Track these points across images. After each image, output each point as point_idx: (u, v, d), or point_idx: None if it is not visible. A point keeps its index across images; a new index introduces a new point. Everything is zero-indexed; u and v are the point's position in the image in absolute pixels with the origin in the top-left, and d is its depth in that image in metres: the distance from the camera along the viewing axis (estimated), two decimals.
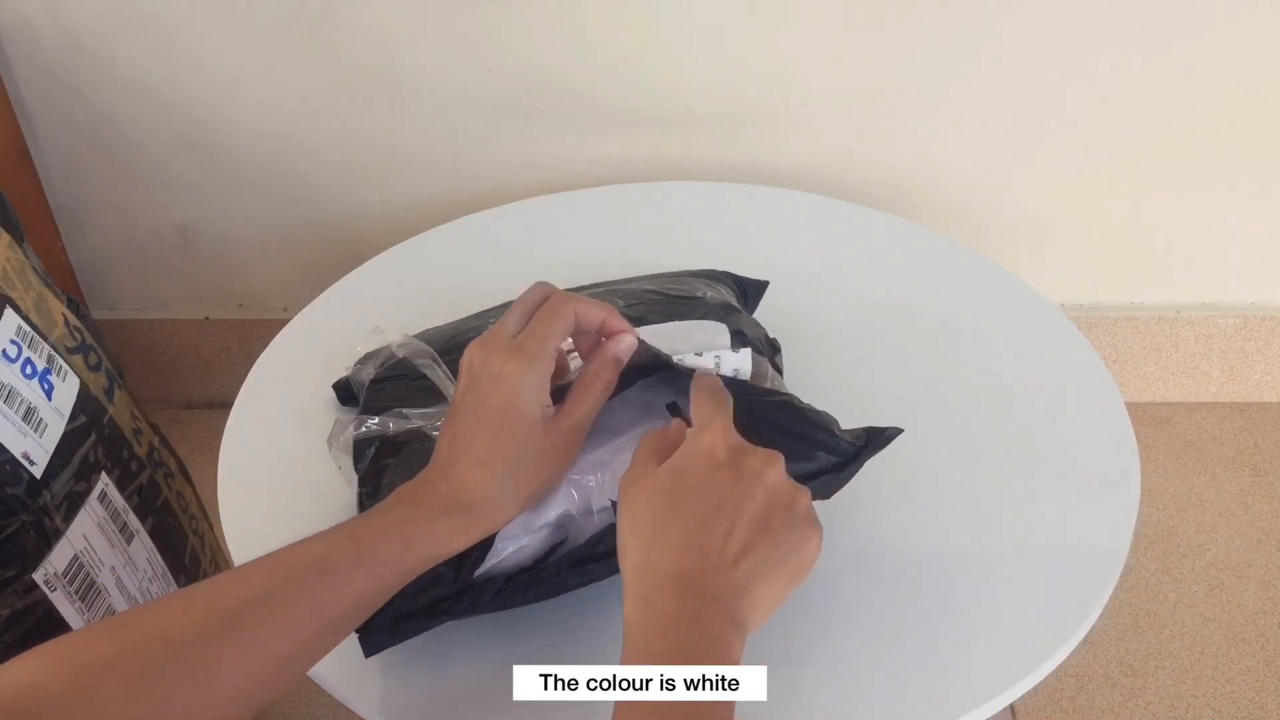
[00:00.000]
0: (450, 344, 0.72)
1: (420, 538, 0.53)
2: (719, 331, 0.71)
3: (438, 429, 0.64)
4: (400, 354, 0.71)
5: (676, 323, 0.72)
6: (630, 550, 0.50)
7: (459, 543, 0.54)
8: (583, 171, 1.26)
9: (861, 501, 0.72)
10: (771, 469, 0.51)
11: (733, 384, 0.60)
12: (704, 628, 0.46)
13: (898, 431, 0.64)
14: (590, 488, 0.61)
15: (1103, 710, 1.15)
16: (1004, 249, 1.32)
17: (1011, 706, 1.14)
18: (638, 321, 0.71)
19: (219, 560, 1.08)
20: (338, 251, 1.34)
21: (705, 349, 0.65)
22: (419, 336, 0.71)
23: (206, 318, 1.43)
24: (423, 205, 1.30)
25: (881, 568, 0.68)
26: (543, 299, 0.59)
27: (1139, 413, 1.44)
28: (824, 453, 0.62)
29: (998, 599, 0.67)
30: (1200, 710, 1.14)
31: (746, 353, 0.65)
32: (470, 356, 0.58)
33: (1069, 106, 1.21)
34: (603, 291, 0.79)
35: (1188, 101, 1.21)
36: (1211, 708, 1.15)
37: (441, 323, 0.80)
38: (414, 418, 0.67)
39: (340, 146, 1.27)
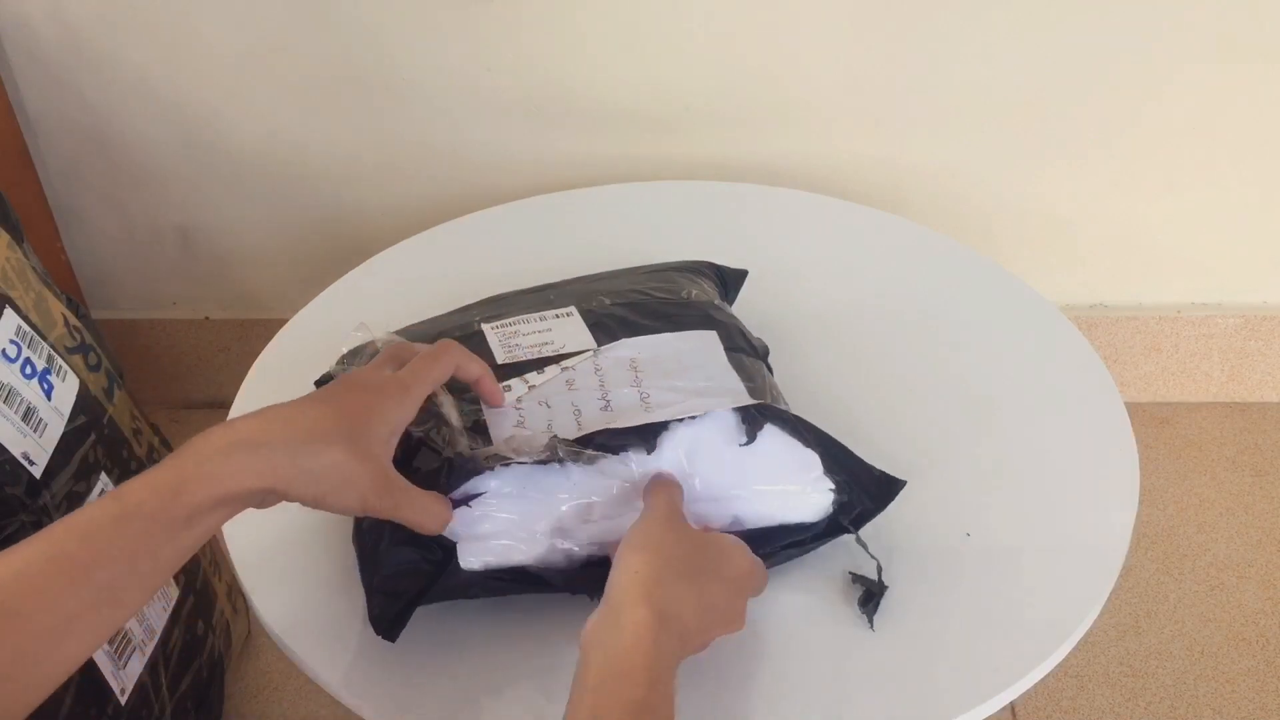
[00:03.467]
0: (436, 339, 0.72)
1: (191, 478, 0.51)
2: (711, 341, 0.71)
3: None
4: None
5: (667, 335, 0.72)
6: (641, 558, 0.55)
7: (231, 479, 0.52)
8: (581, 171, 1.26)
9: None
10: (760, 580, 0.62)
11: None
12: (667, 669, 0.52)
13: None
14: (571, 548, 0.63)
15: (1103, 710, 1.15)
16: (1004, 249, 1.32)
17: (1011, 706, 1.14)
18: (631, 331, 0.71)
19: (218, 560, 1.09)
20: (337, 251, 1.34)
21: (705, 390, 0.66)
22: (402, 333, 0.71)
23: (206, 318, 1.43)
24: (422, 205, 1.30)
25: (882, 567, 0.68)
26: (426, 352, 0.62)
27: (1139, 413, 1.44)
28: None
29: (997, 598, 0.67)
30: (1200, 710, 1.14)
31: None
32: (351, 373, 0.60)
33: (1069, 106, 1.21)
34: (583, 289, 0.78)
35: (1188, 101, 1.21)
36: (1211, 708, 1.15)
37: None
38: None
39: (340, 146, 1.27)
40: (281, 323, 0.89)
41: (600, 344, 0.71)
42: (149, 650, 0.90)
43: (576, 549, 0.63)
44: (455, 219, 1.03)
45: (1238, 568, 1.28)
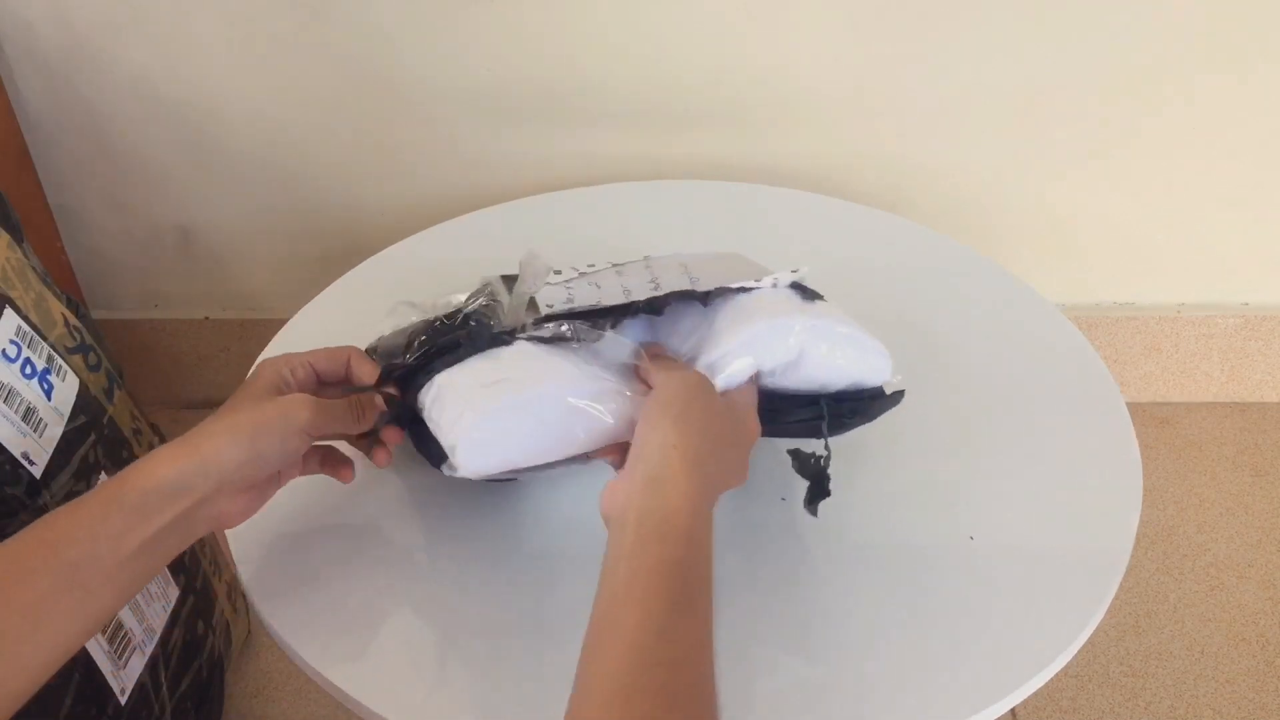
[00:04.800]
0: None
1: (129, 471, 0.56)
2: (760, 264, 0.75)
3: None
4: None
5: (722, 252, 0.75)
6: (677, 431, 0.58)
7: (177, 453, 0.57)
8: (582, 170, 1.26)
9: (862, 502, 0.72)
10: (755, 427, 0.66)
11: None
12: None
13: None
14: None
15: (1103, 710, 1.15)
16: (1004, 249, 1.32)
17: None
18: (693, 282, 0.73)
19: (218, 560, 1.09)
20: (337, 251, 1.34)
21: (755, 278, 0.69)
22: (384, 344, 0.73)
23: (206, 318, 1.43)
24: (422, 204, 1.30)
25: (884, 571, 0.68)
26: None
27: (1139, 413, 1.44)
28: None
29: (999, 600, 0.67)
30: (1200, 710, 1.14)
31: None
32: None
33: (1069, 106, 1.21)
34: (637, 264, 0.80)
35: (1188, 102, 1.21)
36: (1211, 708, 1.15)
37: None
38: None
39: (339, 146, 1.27)
40: (281, 323, 0.89)
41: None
42: (149, 650, 0.90)
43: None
44: (455, 218, 1.03)
45: (1238, 568, 1.28)
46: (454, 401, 0.63)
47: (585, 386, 0.63)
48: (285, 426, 0.60)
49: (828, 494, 0.67)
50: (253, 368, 0.66)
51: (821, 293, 0.71)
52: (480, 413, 0.62)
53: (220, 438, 0.58)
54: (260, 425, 0.59)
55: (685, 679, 0.48)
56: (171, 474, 0.56)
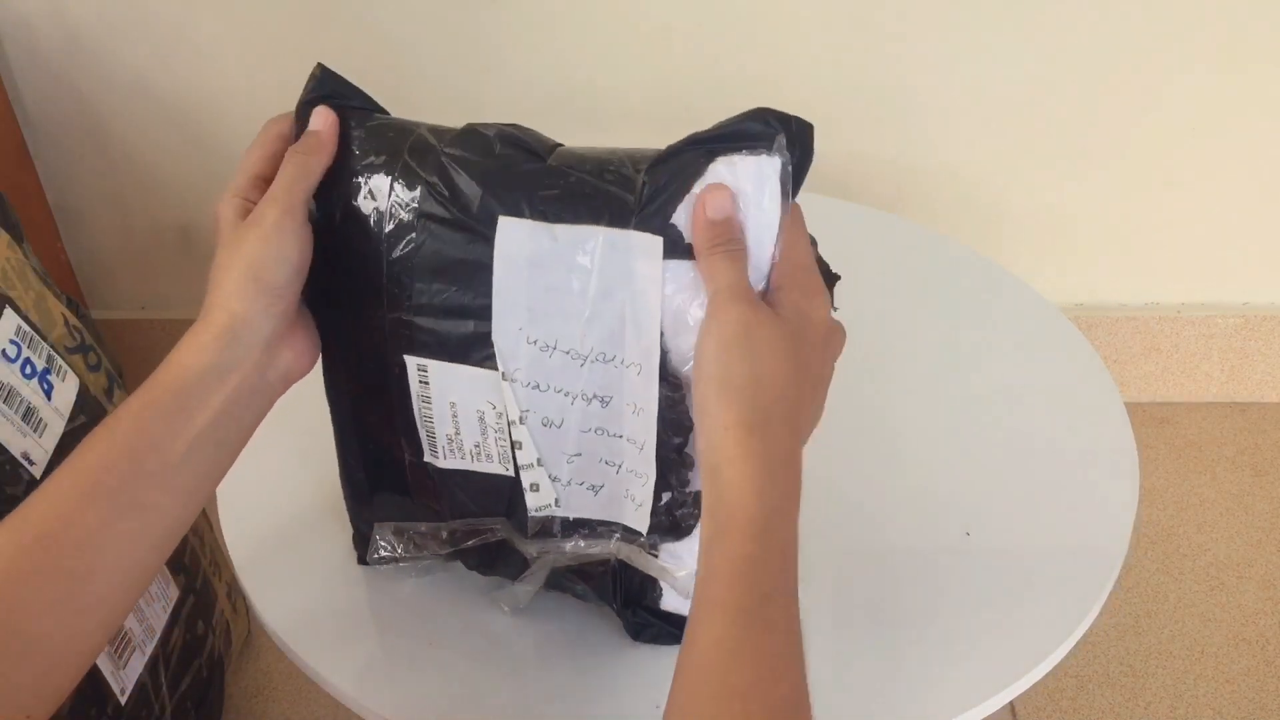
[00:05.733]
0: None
1: (162, 369, 0.52)
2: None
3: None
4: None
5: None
6: (725, 405, 0.47)
7: (201, 337, 0.52)
8: None
9: (861, 500, 0.72)
10: (840, 336, 0.53)
11: None
12: (781, 489, 0.48)
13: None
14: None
15: (1103, 710, 1.15)
16: (1004, 249, 1.32)
17: (1011, 705, 1.14)
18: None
19: (218, 560, 1.09)
20: None
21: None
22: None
23: None
24: None
25: (881, 567, 0.68)
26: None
27: (1139, 413, 1.44)
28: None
29: (997, 598, 0.67)
30: (1200, 710, 1.14)
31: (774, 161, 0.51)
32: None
33: (1069, 107, 1.21)
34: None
35: (1188, 101, 1.21)
36: (1211, 708, 1.15)
37: None
38: None
39: None
40: None
41: None
42: (149, 650, 0.90)
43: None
44: None
45: (1238, 568, 1.28)
46: None
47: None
48: (273, 243, 0.52)
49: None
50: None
51: None
52: None
53: (232, 302, 0.51)
54: (252, 263, 0.52)
55: (765, 705, 0.43)
56: (203, 361, 0.51)
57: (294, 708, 1.16)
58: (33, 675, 0.46)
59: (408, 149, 0.54)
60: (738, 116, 0.51)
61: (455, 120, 0.57)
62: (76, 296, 1.21)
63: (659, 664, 0.62)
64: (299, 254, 0.53)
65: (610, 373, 0.52)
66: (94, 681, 0.82)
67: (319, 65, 0.58)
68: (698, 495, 0.54)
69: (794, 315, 0.49)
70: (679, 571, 0.58)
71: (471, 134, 0.54)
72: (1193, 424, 1.46)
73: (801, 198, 0.53)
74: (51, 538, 0.47)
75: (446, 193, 0.52)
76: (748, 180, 0.50)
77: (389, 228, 0.53)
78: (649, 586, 0.60)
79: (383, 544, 0.63)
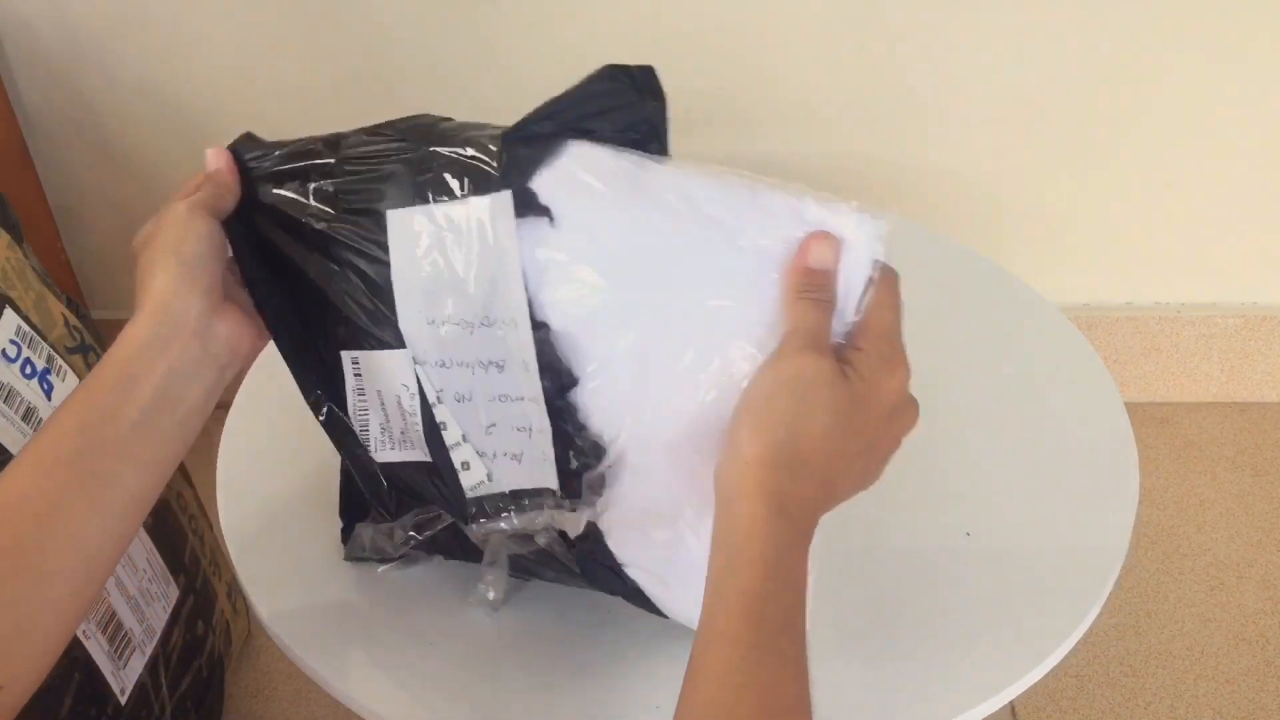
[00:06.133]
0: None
1: (106, 353, 0.54)
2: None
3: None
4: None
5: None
6: (753, 441, 0.48)
7: (136, 319, 0.54)
8: None
9: (861, 500, 0.72)
10: (913, 413, 0.52)
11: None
12: (794, 555, 0.48)
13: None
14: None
15: (1103, 710, 1.15)
16: (1004, 249, 1.32)
17: (1011, 706, 1.14)
18: None
19: (218, 560, 1.09)
20: None
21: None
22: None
23: None
24: None
25: (881, 566, 0.68)
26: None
27: (1139, 413, 1.44)
28: None
29: (997, 598, 0.67)
30: (1200, 710, 1.14)
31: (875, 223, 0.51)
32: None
33: (1069, 106, 1.21)
34: None
35: (1188, 101, 1.21)
36: (1211, 708, 1.15)
37: None
38: None
39: None
40: None
41: None
42: (149, 650, 0.90)
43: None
44: None
45: (1238, 568, 1.28)
46: None
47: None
48: (182, 224, 0.56)
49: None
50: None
51: None
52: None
53: (156, 277, 0.54)
54: (169, 244, 0.55)
55: None
56: (140, 336, 0.53)
57: (294, 708, 1.16)
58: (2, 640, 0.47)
59: (313, 167, 0.58)
60: (585, 79, 0.54)
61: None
62: (76, 296, 1.21)
63: (659, 663, 0.62)
64: (210, 234, 0.56)
65: (495, 336, 0.55)
66: (94, 681, 0.82)
67: (245, 134, 0.63)
68: (595, 445, 0.56)
69: (861, 380, 0.49)
70: (611, 529, 0.58)
71: (356, 138, 0.58)
72: (1193, 424, 1.46)
73: None
74: (9, 508, 0.49)
75: (346, 196, 0.56)
76: (847, 232, 0.51)
77: (306, 238, 0.57)
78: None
79: (363, 541, 0.65)
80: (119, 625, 0.85)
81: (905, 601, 0.66)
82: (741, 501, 0.47)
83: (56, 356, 0.82)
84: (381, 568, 0.67)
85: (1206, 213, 1.30)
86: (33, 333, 0.80)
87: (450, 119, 0.58)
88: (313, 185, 0.57)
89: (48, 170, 1.31)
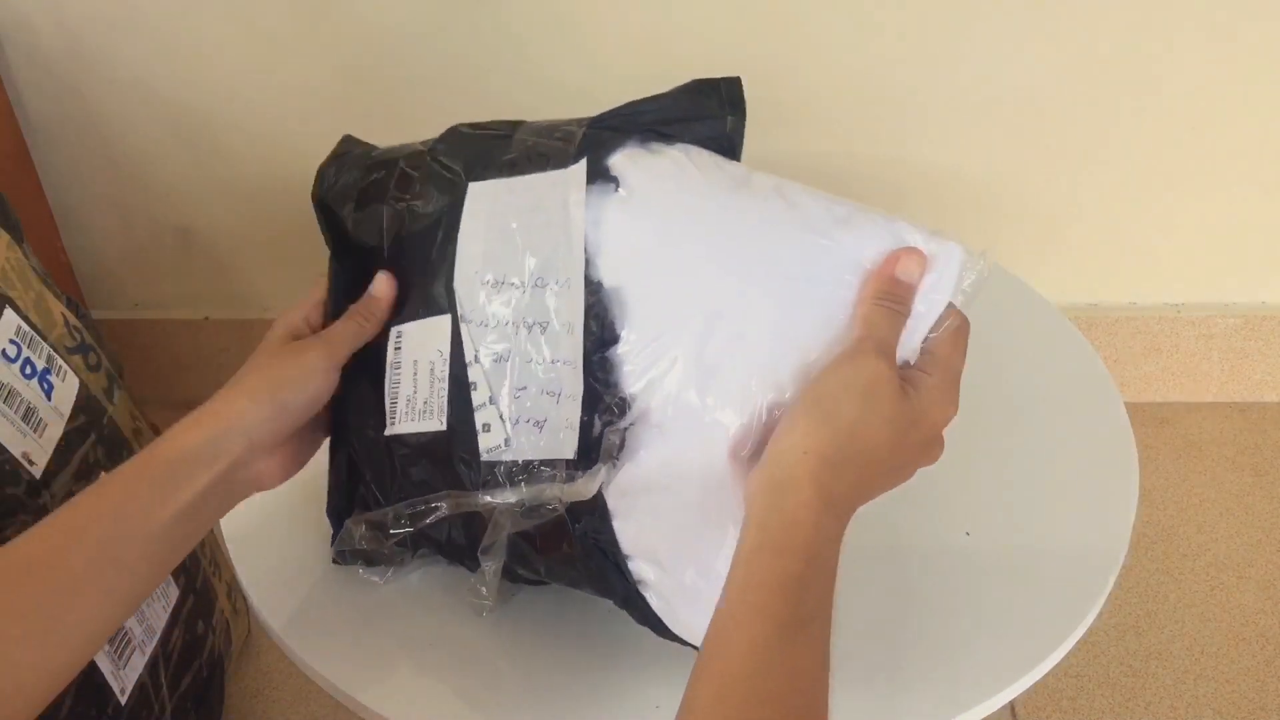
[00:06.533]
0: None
1: (154, 445, 0.55)
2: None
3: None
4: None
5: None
6: (814, 433, 0.50)
7: (201, 419, 0.56)
8: None
9: None
10: (939, 453, 0.55)
11: None
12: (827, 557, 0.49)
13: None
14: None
15: (1103, 710, 1.15)
16: (1004, 249, 1.32)
17: (1011, 706, 1.14)
18: None
19: (218, 560, 1.09)
20: None
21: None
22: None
23: (206, 318, 1.43)
24: None
25: (881, 566, 0.68)
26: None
27: (1139, 413, 1.44)
28: None
29: (997, 598, 0.67)
30: (1200, 710, 1.14)
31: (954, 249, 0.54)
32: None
33: (1069, 106, 1.21)
34: None
35: (1188, 101, 1.21)
36: (1211, 708, 1.15)
37: None
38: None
39: None
40: None
41: None
42: (149, 650, 0.90)
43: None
44: None
45: (1238, 568, 1.28)
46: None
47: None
48: (303, 372, 0.58)
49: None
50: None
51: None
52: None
53: (241, 399, 0.57)
54: (278, 378, 0.58)
55: (792, 717, 0.44)
56: (198, 441, 0.55)
57: (294, 708, 1.16)
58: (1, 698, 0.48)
59: (403, 159, 0.63)
60: (674, 90, 0.61)
61: (455, 117, 0.62)
62: (76, 296, 1.21)
63: (659, 662, 0.62)
64: (320, 392, 0.59)
65: (546, 296, 0.57)
66: (94, 681, 0.82)
67: (344, 137, 0.67)
68: (622, 401, 0.56)
69: (921, 403, 0.51)
70: (630, 510, 0.58)
71: (451, 133, 0.63)
72: (1193, 424, 1.46)
73: None
74: (37, 575, 0.50)
75: (436, 178, 0.61)
76: (937, 258, 0.54)
77: (390, 221, 0.62)
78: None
79: (352, 536, 0.64)
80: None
81: (905, 601, 0.66)
82: (792, 488, 0.48)
83: (56, 356, 0.82)
84: (369, 573, 0.66)
85: (1206, 213, 1.30)
86: (33, 333, 0.80)
87: (524, 120, 0.64)
88: (401, 166, 0.62)
89: (48, 170, 1.31)
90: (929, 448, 0.53)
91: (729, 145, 0.60)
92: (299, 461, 0.61)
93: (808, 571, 0.47)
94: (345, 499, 0.65)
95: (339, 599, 0.66)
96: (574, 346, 0.56)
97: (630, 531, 0.57)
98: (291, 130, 1.26)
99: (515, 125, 0.62)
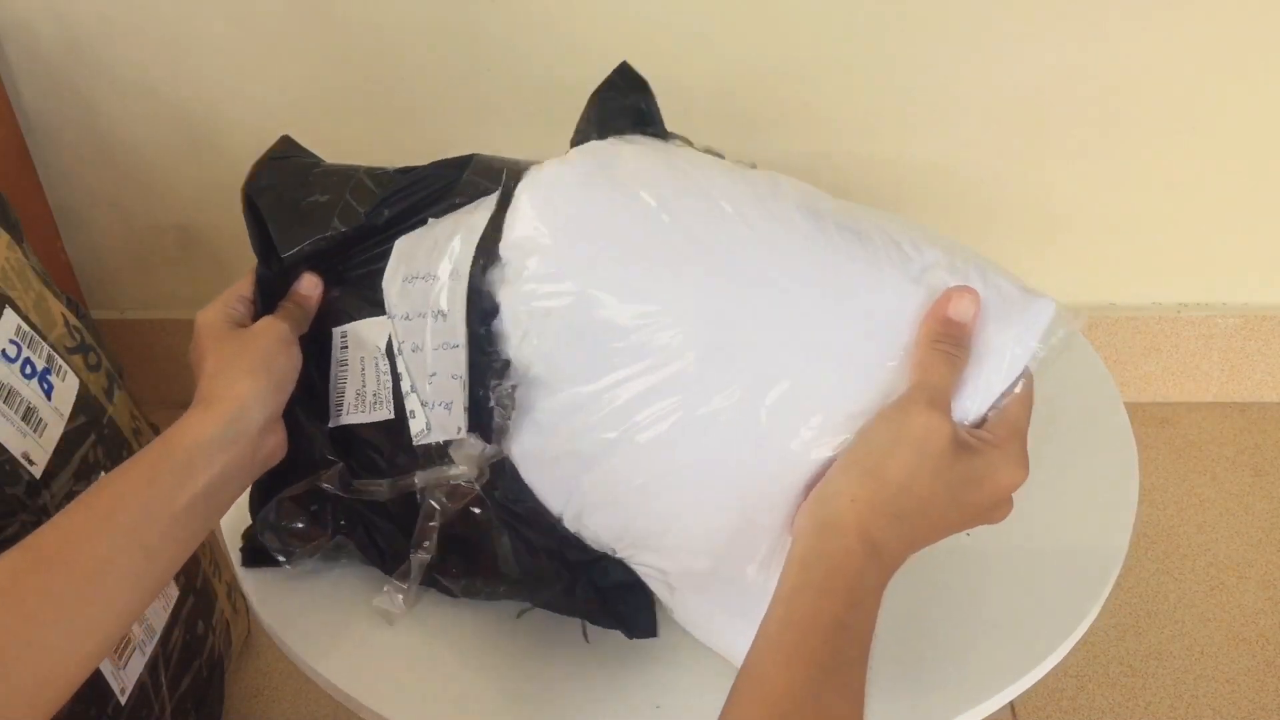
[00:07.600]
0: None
1: (171, 433, 0.57)
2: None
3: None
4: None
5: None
6: (864, 483, 0.49)
7: (210, 412, 0.57)
8: None
9: None
10: (1006, 513, 0.53)
11: None
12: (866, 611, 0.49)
13: None
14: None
15: (1103, 710, 1.15)
16: (1003, 248, 1.32)
17: (1011, 705, 1.14)
18: None
19: (218, 559, 1.09)
20: None
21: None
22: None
23: None
24: None
25: None
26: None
27: (1139, 413, 1.44)
28: None
29: (997, 598, 0.67)
30: (1200, 710, 1.14)
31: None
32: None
33: (1070, 106, 1.21)
34: None
35: (1188, 100, 1.21)
36: (1211, 708, 1.15)
37: None
38: None
39: (340, 146, 1.27)
40: None
41: None
42: (149, 650, 0.90)
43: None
44: None
45: (1238, 568, 1.28)
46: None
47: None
48: (281, 344, 0.61)
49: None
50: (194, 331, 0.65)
51: None
52: None
53: (243, 380, 0.58)
54: (264, 354, 0.60)
55: None
56: (217, 428, 0.56)
57: (294, 708, 1.16)
58: (33, 681, 0.49)
59: (349, 190, 0.69)
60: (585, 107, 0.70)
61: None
62: (76, 296, 1.21)
63: (659, 663, 0.62)
64: (299, 362, 0.62)
65: (444, 287, 0.61)
66: (94, 681, 0.82)
67: (282, 137, 0.72)
68: (506, 364, 0.58)
69: (986, 465, 0.50)
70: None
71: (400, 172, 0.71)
72: (1193, 424, 1.46)
73: None
74: (63, 561, 0.51)
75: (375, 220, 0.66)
76: (1000, 304, 0.52)
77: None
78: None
79: (270, 517, 0.64)
80: None
81: (905, 601, 0.66)
82: (838, 533, 0.48)
83: (56, 356, 0.82)
84: (285, 563, 0.66)
85: (1206, 213, 1.30)
86: (32, 333, 0.80)
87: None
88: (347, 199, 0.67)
89: (48, 170, 1.31)
90: (995, 509, 0.52)
91: (644, 116, 0.68)
92: (284, 437, 0.63)
93: (849, 618, 0.47)
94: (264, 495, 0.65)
95: (339, 599, 0.66)
96: (459, 331, 0.60)
97: (531, 468, 0.59)
98: (291, 130, 1.25)
99: (460, 164, 0.70)
